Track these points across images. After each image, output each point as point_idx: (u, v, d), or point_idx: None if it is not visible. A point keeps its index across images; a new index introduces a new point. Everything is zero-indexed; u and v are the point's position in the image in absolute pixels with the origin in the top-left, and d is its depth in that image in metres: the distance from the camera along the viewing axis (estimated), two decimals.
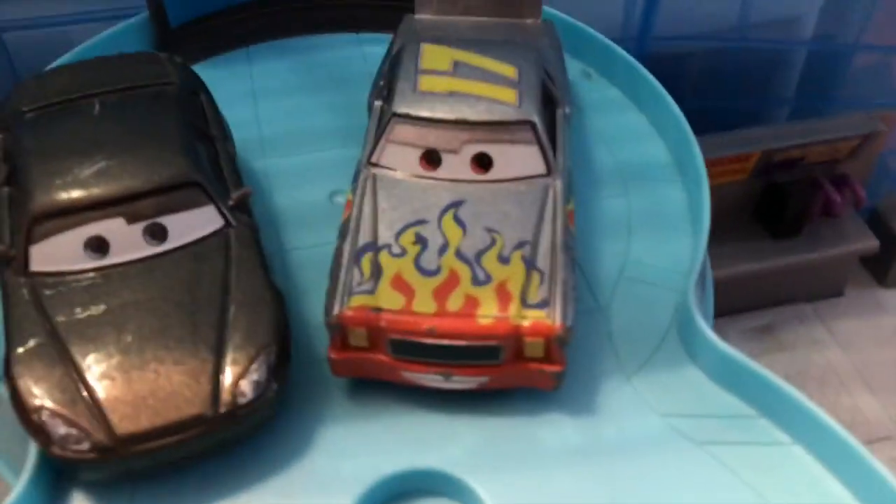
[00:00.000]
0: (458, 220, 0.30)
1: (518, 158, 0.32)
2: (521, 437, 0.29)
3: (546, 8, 0.42)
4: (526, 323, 0.28)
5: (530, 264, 0.29)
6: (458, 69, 0.33)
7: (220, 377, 0.27)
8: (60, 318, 0.28)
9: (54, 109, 0.32)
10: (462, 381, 0.29)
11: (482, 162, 0.32)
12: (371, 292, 0.28)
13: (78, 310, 0.28)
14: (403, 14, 0.40)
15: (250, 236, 0.30)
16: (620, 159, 0.40)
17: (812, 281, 0.72)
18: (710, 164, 0.62)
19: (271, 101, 0.43)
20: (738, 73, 0.67)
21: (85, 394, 0.26)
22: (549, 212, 0.31)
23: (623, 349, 0.32)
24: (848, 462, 0.28)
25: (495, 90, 0.33)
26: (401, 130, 0.32)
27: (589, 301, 0.34)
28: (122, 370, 0.27)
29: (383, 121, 0.33)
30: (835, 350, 0.69)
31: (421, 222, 0.30)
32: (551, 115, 0.34)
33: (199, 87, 0.36)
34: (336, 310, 0.28)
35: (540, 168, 0.32)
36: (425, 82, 0.33)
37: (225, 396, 0.27)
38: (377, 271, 0.29)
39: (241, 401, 0.27)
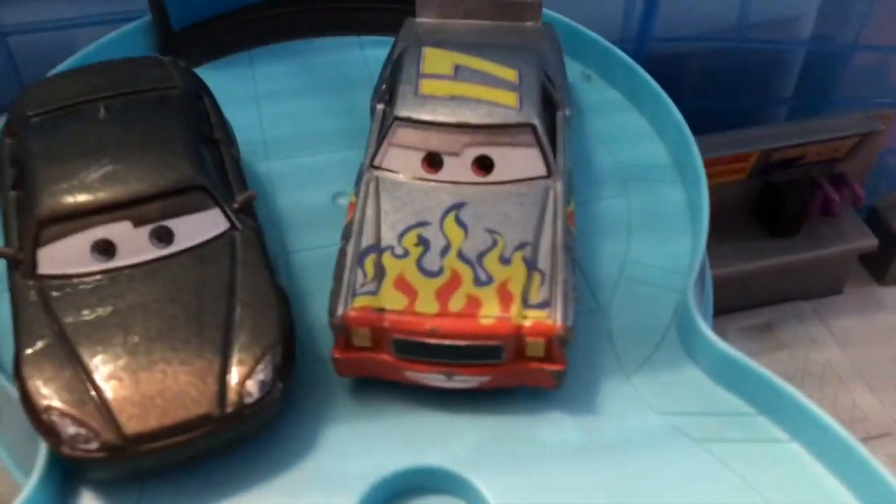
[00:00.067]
0: (459, 222, 0.31)
1: (519, 161, 0.32)
2: (523, 435, 0.30)
3: (546, 11, 0.42)
4: (527, 323, 0.28)
5: (531, 265, 0.30)
6: (459, 73, 0.34)
7: (227, 377, 0.27)
8: (68, 320, 0.28)
9: (60, 114, 0.32)
10: (464, 381, 0.29)
11: (483, 164, 0.32)
12: (374, 293, 0.29)
13: (85, 312, 0.28)
14: (405, 17, 0.40)
15: (255, 239, 0.31)
16: (620, 160, 0.40)
17: (811, 279, 0.72)
18: (709, 163, 0.63)
19: (274, 104, 0.43)
20: (737, 74, 0.68)
21: (93, 394, 0.27)
22: (549, 213, 0.31)
23: (623, 348, 0.32)
24: (845, 459, 0.28)
25: (496, 93, 0.33)
26: (403, 134, 0.33)
27: (589, 301, 0.34)
28: (130, 371, 0.27)
29: (385, 124, 0.33)
30: (834, 348, 0.70)
31: (423, 224, 0.31)
32: (551, 117, 0.35)
33: (203, 90, 0.36)
34: (340, 310, 0.28)
35: (540, 170, 0.32)
36: (427, 86, 0.33)
37: (231, 396, 0.27)
38: (380, 272, 0.29)
39: (248, 400, 0.27)
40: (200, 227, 0.30)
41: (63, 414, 0.26)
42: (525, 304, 0.29)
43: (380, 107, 0.35)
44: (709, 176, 0.37)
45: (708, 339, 0.31)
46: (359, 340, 0.29)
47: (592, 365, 0.32)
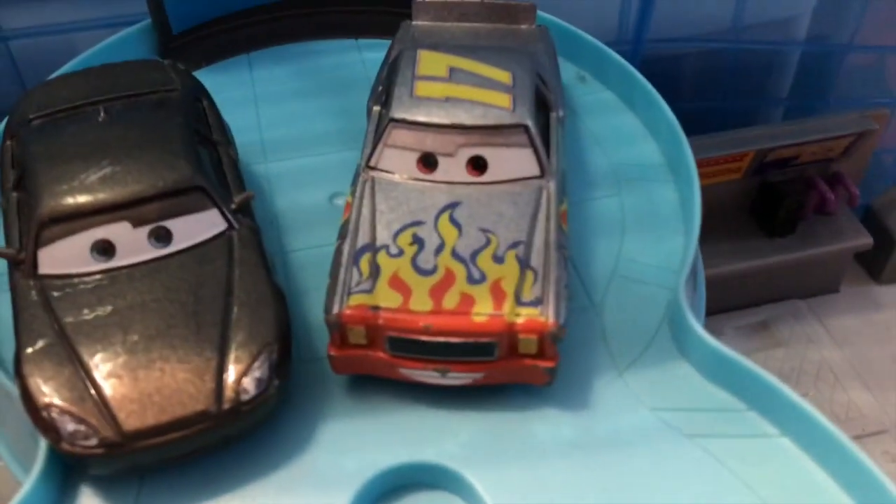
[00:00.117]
0: (453, 221, 0.31)
1: (512, 161, 0.33)
2: (516, 431, 0.30)
3: (541, 13, 0.43)
4: (520, 320, 0.29)
5: (524, 263, 0.30)
6: (453, 75, 0.34)
7: (224, 375, 0.28)
8: (68, 319, 0.28)
9: (60, 116, 0.33)
10: (458, 377, 0.30)
11: (477, 164, 0.33)
12: (369, 291, 0.29)
13: (85, 311, 0.29)
14: (401, 20, 0.41)
15: (252, 238, 0.31)
16: (614, 160, 0.40)
17: (807, 278, 0.73)
18: (705, 163, 0.63)
19: (272, 106, 0.43)
20: (733, 74, 0.68)
21: (93, 392, 0.27)
22: (542, 212, 0.32)
23: (615, 345, 0.33)
24: (834, 453, 0.29)
25: (490, 95, 0.33)
26: (398, 135, 0.33)
27: (582, 299, 0.34)
28: (129, 369, 0.27)
29: (381, 125, 0.33)
30: (830, 346, 0.70)
31: (418, 223, 0.31)
32: (545, 118, 0.35)
33: (202, 92, 0.37)
34: (336, 308, 0.29)
35: (534, 170, 0.33)
36: (422, 88, 0.34)
37: (228, 393, 0.27)
38: (375, 271, 0.30)
39: (244, 397, 0.28)
40: (198, 227, 0.30)
41: (63, 411, 0.27)
42: (518, 301, 0.29)
43: (376, 108, 0.35)
44: (704, 176, 0.37)
45: (699, 336, 0.31)
46: (354, 338, 0.29)
47: (585, 362, 0.32)
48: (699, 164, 0.38)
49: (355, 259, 0.30)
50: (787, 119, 0.72)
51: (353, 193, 0.33)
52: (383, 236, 0.31)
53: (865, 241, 0.71)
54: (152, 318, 0.28)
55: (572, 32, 0.45)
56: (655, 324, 0.33)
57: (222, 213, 0.31)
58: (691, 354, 0.32)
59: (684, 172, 0.38)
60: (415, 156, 0.33)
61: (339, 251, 0.31)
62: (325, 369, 0.31)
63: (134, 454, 0.27)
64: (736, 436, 0.30)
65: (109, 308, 0.29)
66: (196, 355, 0.28)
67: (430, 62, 0.35)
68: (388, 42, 0.40)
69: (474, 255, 0.30)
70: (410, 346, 0.29)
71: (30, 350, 0.28)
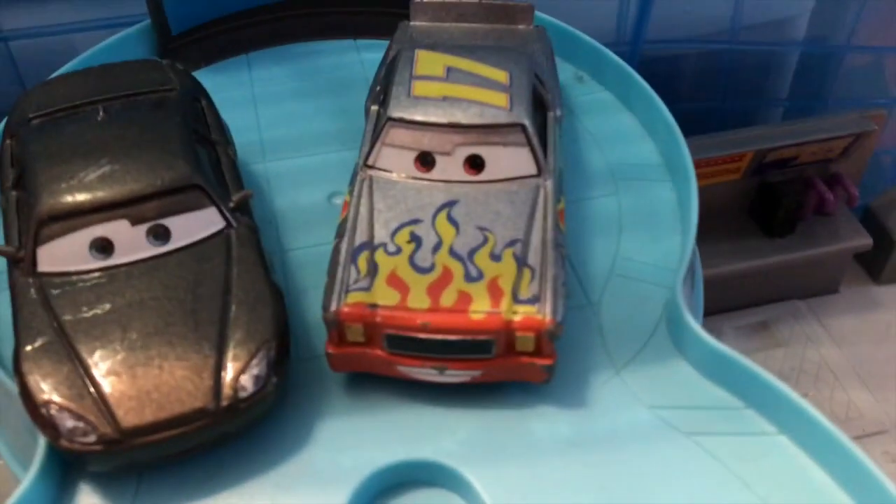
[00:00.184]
0: (451, 220, 0.31)
1: (509, 160, 0.33)
2: (514, 428, 0.30)
3: (539, 14, 0.43)
4: (517, 318, 0.29)
5: (521, 261, 0.30)
6: (451, 74, 0.34)
7: (222, 372, 0.28)
8: (67, 317, 0.29)
9: (60, 115, 0.33)
10: (455, 375, 0.30)
11: (475, 163, 0.33)
12: (367, 289, 0.29)
13: (84, 308, 0.29)
14: (399, 21, 0.41)
15: (251, 237, 0.31)
16: (611, 160, 0.41)
17: (806, 278, 0.73)
18: (704, 164, 0.63)
19: (271, 106, 0.44)
20: (732, 75, 0.68)
21: (91, 389, 0.27)
22: (539, 211, 0.32)
23: (613, 344, 0.33)
24: (832, 451, 0.29)
25: (487, 94, 0.34)
26: (396, 134, 0.33)
27: (580, 297, 0.34)
28: (127, 366, 0.27)
29: (379, 125, 0.34)
30: (829, 346, 0.70)
31: (415, 222, 0.31)
32: (542, 117, 0.35)
33: (201, 92, 0.37)
34: (333, 306, 0.29)
35: (531, 169, 0.33)
36: (419, 87, 0.34)
37: (226, 390, 0.28)
38: (373, 269, 0.30)
39: (242, 394, 0.28)
40: (197, 225, 0.31)
41: (62, 408, 0.27)
42: (515, 299, 0.29)
43: (374, 108, 0.36)
44: (703, 176, 0.37)
45: (697, 334, 0.31)
46: (352, 336, 0.29)
47: (583, 360, 0.32)
48: (698, 165, 0.38)
49: (353, 257, 0.30)
50: (786, 120, 0.72)
51: (350, 192, 0.33)
52: (381, 234, 0.31)
53: (865, 241, 0.71)
54: (151, 316, 0.28)
55: (570, 33, 0.45)
56: (653, 322, 0.33)
57: (220, 212, 0.31)
58: (689, 353, 0.32)
59: (681, 172, 0.38)
60: (412, 155, 0.33)
61: (336, 249, 0.31)
62: (323, 367, 0.31)
63: (132, 451, 0.27)
64: (734, 434, 0.30)
65: (108, 306, 0.29)
66: (194, 353, 0.28)
67: (428, 62, 0.35)
68: (386, 42, 0.40)
69: (472, 253, 0.30)
70: (408, 344, 0.29)
71: (29, 347, 0.28)
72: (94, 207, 0.30)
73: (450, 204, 0.32)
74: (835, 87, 0.70)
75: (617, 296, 0.34)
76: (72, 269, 0.29)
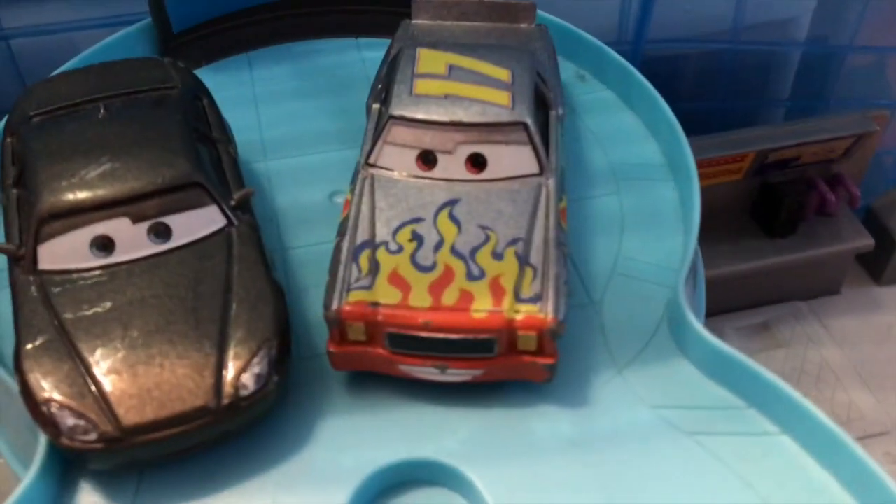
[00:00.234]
0: (453, 218, 0.31)
1: (511, 158, 0.33)
2: (516, 428, 0.30)
3: (541, 13, 0.43)
4: (519, 317, 0.29)
5: (523, 260, 0.30)
6: (452, 73, 0.34)
7: (223, 370, 0.28)
8: (68, 315, 0.28)
9: (61, 113, 0.33)
10: (457, 374, 0.30)
11: (476, 162, 0.33)
12: (369, 288, 0.29)
13: (85, 306, 0.29)
14: (401, 20, 0.41)
15: (252, 235, 0.31)
16: (613, 159, 0.41)
17: (808, 279, 0.73)
18: (706, 164, 0.63)
19: (272, 105, 0.44)
20: (734, 75, 0.68)
21: (92, 387, 0.27)
22: (541, 209, 0.32)
23: (615, 343, 0.33)
24: (835, 451, 0.28)
25: (489, 93, 0.34)
26: (397, 132, 0.33)
27: (582, 296, 0.34)
28: (128, 364, 0.27)
29: (381, 123, 0.34)
30: (831, 347, 0.70)
31: (417, 220, 0.31)
32: (544, 116, 0.35)
33: (202, 90, 0.37)
34: (335, 305, 0.29)
35: (533, 167, 0.33)
36: (421, 85, 0.34)
37: (227, 389, 0.27)
38: (375, 267, 0.30)
39: (243, 393, 0.28)
40: (198, 223, 0.31)
41: (62, 406, 0.27)
42: (517, 298, 0.29)
43: (375, 106, 0.36)
44: (705, 177, 0.37)
45: (699, 333, 0.31)
46: (353, 334, 0.29)
47: (585, 359, 0.32)
48: (700, 165, 0.38)
49: (354, 256, 0.30)
50: (788, 120, 0.72)
51: (352, 191, 0.33)
52: (382, 233, 0.31)
53: (866, 242, 0.71)
54: (152, 314, 0.28)
55: (572, 32, 0.45)
56: (655, 322, 0.33)
57: (221, 210, 0.31)
58: (691, 352, 0.32)
59: (684, 171, 0.38)
60: (414, 153, 0.33)
61: (338, 248, 0.31)
62: (325, 366, 0.31)
63: (133, 449, 0.27)
64: (735, 433, 0.30)
65: (109, 304, 0.29)
66: (195, 351, 0.28)
67: (430, 60, 0.35)
68: (387, 41, 0.40)
69: (473, 251, 0.30)
70: (410, 343, 0.29)
71: (29, 346, 0.28)
72: (94, 205, 0.30)
73: (451, 202, 0.32)
74: (837, 88, 0.70)
75: (619, 295, 0.34)
76: (73, 266, 0.29)
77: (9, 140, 0.34)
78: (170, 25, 0.45)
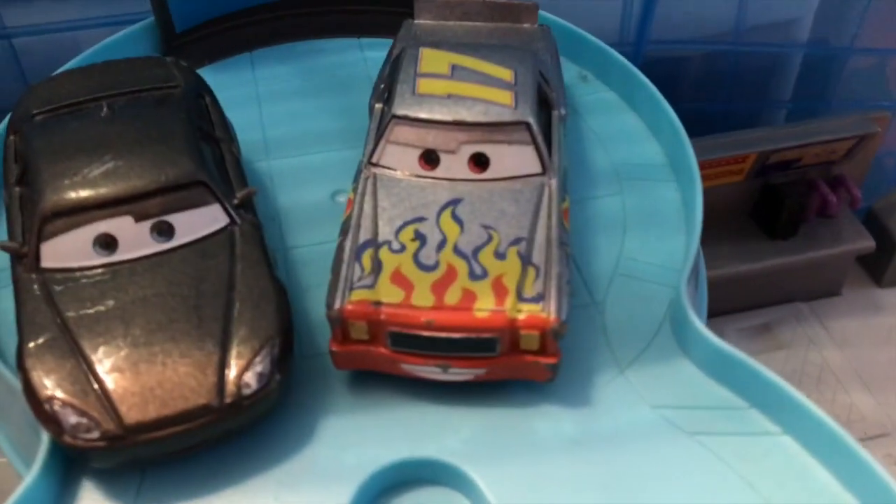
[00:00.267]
0: (455, 218, 0.31)
1: (514, 158, 0.33)
2: (518, 427, 0.30)
3: (543, 13, 0.43)
4: (521, 316, 0.29)
5: (526, 260, 0.30)
6: (455, 72, 0.34)
7: (226, 369, 0.28)
8: (70, 313, 0.28)
9: (63, 112, 0.33)
10: (459, 373, 0.30)
11: (479, 161, 0.33)
12: (371, 287, 0.29)
13: (87, 305, 0.29)
14: (403, 19, 0.41)
15: (254, 234, 0.31)
16: (616, 159, 0.41)
17: (809, 280, 0.73)
18: (707, 165, 0.63)
19: (275, 104, 0.44)
20: (735, 76, 0.68)
21: (95, 385, 0.27)
22: (544, 209, 0.32)
23: (617, 343, 0.33)
24: (836, 452, 0.28)
25: (492, 92, 0.34)
26: (400, 131, 0.33)
27: (584, 296, 0.34)
28: (131, 362, 0.27)
29: (383, 122, 0.34)
30: (832, 349, 0.70)
31: (420, 219, 0.31)
32: (547, 116, 0.35)
33: (204, 89, 0.37)
34: (337, 304, 0.29)
35: (535, 167, 0.33)
36: (424, 85, 0.34)
37: (230, 387, 0.27)
38: (377, 266, 0.30)
39: (246, 391, 0.28)
40: (200, 221, 0.31)
41: (65, 404, 0.27)
42: (520, 297, 0.29)
43: (378, 106, 0.36)
44: (706, 178, 0.37)
45: (701, 333, 0.31)
46: (356, 333, 0.29)
47: (587, 359, 0.32)
48: (701, 166, 0.38)
49: (357, 255, 0.30)
50: (790, 121, 0.72)
51: (354, 190, 0.33)
52: (385, 232, 0.31)
53: (867, 244, 0.71)
54: (154, 313, 0.28)
55: (574, 32, 0.45)
56: (657, 321, 0.33)
57: (224, 209, 0.31)
58: (693, 352, 0.32)
59: (686, 172, 0.38)
60: (417, 152, 0.33)
61: (340, 247, 0.31)
62: (327, 365, 0.31)
63: (136, 447, 0.27)
64: (737, 433, 0.30)
65: (111, 302, 0.29)
66: (198, 349, 0.28)
67: (433, 59, 0.35)
68: (390, 41, 0.40)
69: (476, 251, 0.30)
70: (412, 342, 0.29)
71: (32, 344, 0.28)
72: (97, 204, 0.30)
73: (454, 202, 0.32)
74: (838, 89, 0.70)
75: (621, 295, 0.34)
76: (75, 265, 0.29)
77: (11, 138, 0.34)
78: (172, 25, 0.45)
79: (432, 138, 0.33)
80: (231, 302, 0.29)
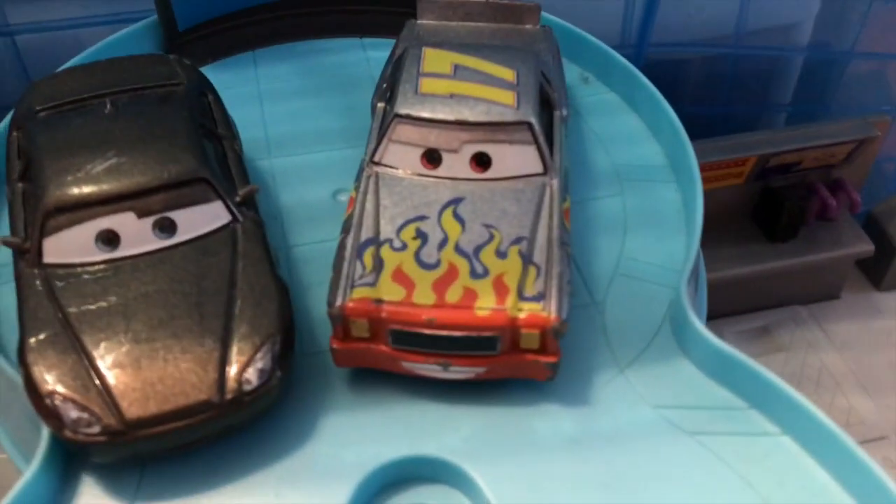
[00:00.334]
0: (457, 217, 0.31)
1: (516, 158, 0.33)
2: (518, 426, 0.30)
3: (545, 14, 0.43)
4: (522, 315, 0.29)
5: (527, 259, 0.30)
6: (458, 72, 0.34)
7: (227, 365, 0.28)
8: (72, 309, 0.29)
9: (67, 108, 0.33)
10: (460, 371, 0.30)
11: (481, 161, 0.33)
12: (373, 284, 0.29)
13: (89, 300, 0.29)
14: (405, 20, 0.41)
15: (256, 231, 0.31)
16: (617, 160, 0.41)
17: (808, 284, 0.73)
18: (708, 168, 0.64)
19: (277, 104, 0.44)
20: (736, 80, 0.68)
21: (96, 380, 0.27)
22: (545, 209, 0.32)
23: (617, 343, 0.33)
24: (836, 452, 0.29)
25: (494, 92, 0.34)
26: (402, 130, 0.33)
27: (584, 296, 0.34)
28: (132, 358, 0.27)
29: (386, 121, 0.34)
30: (830, 352, 0.70)
31: (421, 218, 0.31)
32: (549, 116, 0.35)
33: (207, 87, 0.37)
34: (339, 301, 0.29)
35: (537, 167, 0.33)
36: (426, 84, 0.34)
37: (231, 384, 0.27)
38: (379, 264, 0.30)
39: (247, 388, 0.28)
40: (203, 218, 0.31)
41: (66, 398, 0.27)
42: (520, 296, 0.29)
43: (380, 105, 0.36)
44: (706, 181, 0.37)
45: (701, 334, 0.31)
46: (357, 331, 0.29)
47: (587, 358, 0.32)
48: (701, 169, 0.38)
49: (359, 253, 0.30)
50: (790, 125, 0.72)
51: (356, 188, 0.33)
52: (387, 230, 0.31)
53: (866, 247, 0.71)
54: (156, 309, 0.28)
55: (576, 33, 0.45)
56: (657, 322, 0.33)
57: (226, 206, 0.31)
58: (693, 352, 0.32)
59: (686, 173, 0.38)
60: (419, 151, 0.33)
61: (342, 245, 0.31)
62: (327, 362, 0.31)
63: (136, 442, 0.27)
64: (737, 434, 0.30)
65: (113, 298, 0.29)
66: (199, 345, 0.28)
67: (435, 59, 0.35)
68: (392, 41, 0.40)
69: (477, 250, 0.30)
70: (413, 340, 0.29)
71: (34, 339, 0.28)
72: (100, 199, 0.30)
73: (456, 201, 0.32)
74: (838, 93, 0.70)
75: (621, 295, 0.34)
76: (77, 260, 0.29)
77: (14, 134, 0.34)
78: (175, 23, 0.45)
79: (434, 137, 0.33)
80: (232, 299, 0.29)
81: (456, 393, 0.31)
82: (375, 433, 0.30)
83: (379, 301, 0.29)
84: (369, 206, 0.32)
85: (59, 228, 0.29)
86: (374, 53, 0.47)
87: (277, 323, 0.29)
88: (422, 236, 0.31)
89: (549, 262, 0.30)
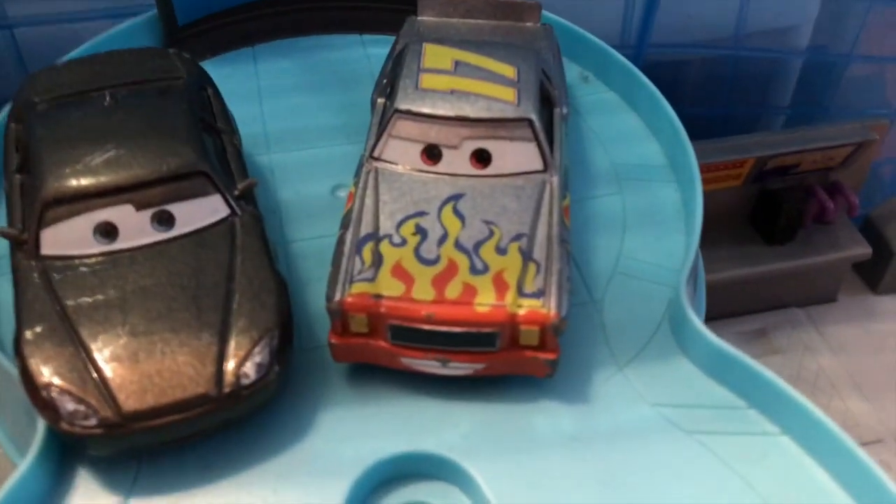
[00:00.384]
0: (457, 213, 0.31)
1: (516, 154, 0.33)
2: (516, 423, 0.30)
3: (545, 13, 0.43)
4: (521, 311, 0.29)
5: (527, 255, 0.30)
6: (458, 68, 0.34)
7: (225, 359, 0.28)
8: (70, 301, 0.28)
9: (66, 100, 0.33)
10: (459, 368, 0.30)
11: (481, 157, 0.33)
12: (372, 280, 0.29)
13: (87, 293, 0.29)
14: (406, 16, 0.41)
15: (255, 225, 0.31)
16: (616, 159, 0.41)
17: (805, 286, 0.73)
18: (706, 169, 0.64)
19: (276, 99, 0.43)
20: (735, 82, 0.68)
21: (93, 373, 0.27)
22: (545, 206, 0.32)
23: (616, 341, 0.33)
24: (834, 452, 0.29)
25: (495, 89, 0.34)
26: (402, 126, 0.33)
27: (584, 294, 0.34)
28: (129, 351, 0.27)
29: (386, 117, 0.34)
30: (827, 355, 0.70)
31: (421, 214, 0.31)
32: (549, 114, 0.35)
33: (207, 81, 0.37)
34: (337, 296, 0.29)
35: (537, 164, 0.33)
36: (427, 80, 0.34)
37: (228, 377, 0.27)
38: (378, 260, 0.30)
39: (244, 382, 0.27)
40: (201, 212, 0.30)
41: (63, 391, 0.27)
42: (520, 293, 0.29)
43: (380, 100, 0.36)
44: (705, 182, 0.37)
45: (699, 332, 0.31)
46: (355, 326, 0.29)
47: (586, 356, 0.32)
48: (699, 170, 0.38)
49: (358, 248, 0.30)
50: (788, 127, 0.72)
51: (356, 183, 0.33)
52: (386, 226, 0.31)
53: (864, 251, 0.71)
54: (154, 302, 0.28)
55: (576, 32, 0.45)
56: (656, 320, 0.33)
57: (225, 199, 0.31)
58: (692, 351, 0.32)
59: (686, 172, 0.38)
60: (419, 147, 0.33)
61: (341, 240, 0.31)
62: (326, 357, 0.30)
63: (133, 435, 0.27)
64: (736, 433, 0.30)
65: (111, 290, 0.29)
66: (197, 339, 0.28)
67: (436, 55, 0.35)
68: (393, 38, 0.40)
69: (477, 246, 0.30)
70: (412, 335, 0.29)
71: (30, 331, 0.28)
72: (98, 192, 0.30)
73: (456, 197, 0.32)
74: (836, 96, 0.70)
75: (620, 294, 0.34)
76: (75, 252, 0.29)
77: (13, 126, 0.34)
78: (175, 18, 0.45)
79: (434, 133, 0.33)
80: (231, 293, 0.29)
81: (455, 389, 0.31)
82: (374, 429, 0.30)
83: (378, 296, 0.29)
84: (369, 201, 0.32)
85: (56, 220, 0.29)
86: (374, 50, 0.47)
87: (276, 317, 0.29)
88: (421, 232, 0.31)
89: (549, 259, 0.30)
